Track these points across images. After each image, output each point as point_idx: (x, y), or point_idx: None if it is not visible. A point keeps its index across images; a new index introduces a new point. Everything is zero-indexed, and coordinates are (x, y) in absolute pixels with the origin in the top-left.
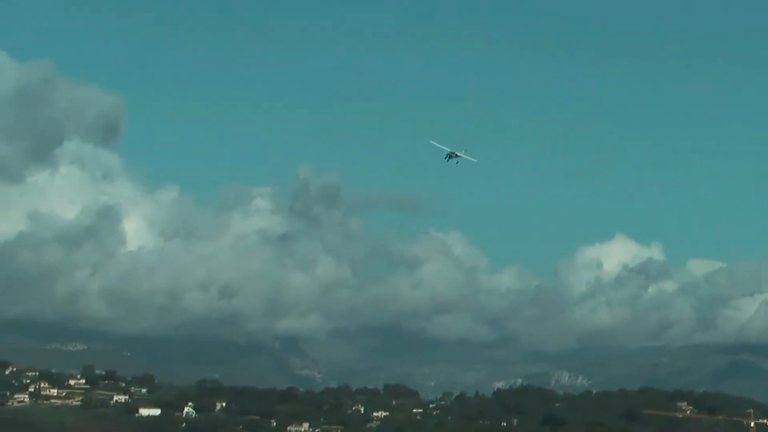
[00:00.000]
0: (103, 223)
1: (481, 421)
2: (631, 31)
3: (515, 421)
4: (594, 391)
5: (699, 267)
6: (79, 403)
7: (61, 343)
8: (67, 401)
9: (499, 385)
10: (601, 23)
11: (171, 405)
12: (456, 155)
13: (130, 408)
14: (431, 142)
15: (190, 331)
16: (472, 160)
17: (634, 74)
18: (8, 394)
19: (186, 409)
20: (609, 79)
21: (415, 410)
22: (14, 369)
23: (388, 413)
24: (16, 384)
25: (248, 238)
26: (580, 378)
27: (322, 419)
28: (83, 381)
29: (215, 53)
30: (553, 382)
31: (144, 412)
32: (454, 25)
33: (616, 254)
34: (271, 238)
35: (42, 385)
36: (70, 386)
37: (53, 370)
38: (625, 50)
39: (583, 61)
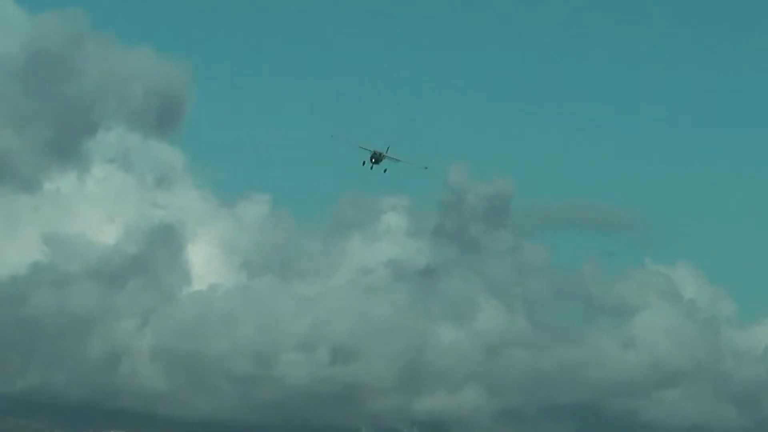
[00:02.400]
0: (157, 251)
1: None
2: None
3: None
4: None
5: None
6: None
7: (93, 429)
8: None
9: None
10: None
11: None
12: (381, 157)
13: None
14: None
15: (287, 413)
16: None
17: None
18: None
19: None
20: None
21: None
22: None
23: None
24: None
25: (374, 273)
26: None
27: None
28: None
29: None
30: None
31: None
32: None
33: None
34: (407, 272)
35: None
36: None
37: None
38: None
39: None
